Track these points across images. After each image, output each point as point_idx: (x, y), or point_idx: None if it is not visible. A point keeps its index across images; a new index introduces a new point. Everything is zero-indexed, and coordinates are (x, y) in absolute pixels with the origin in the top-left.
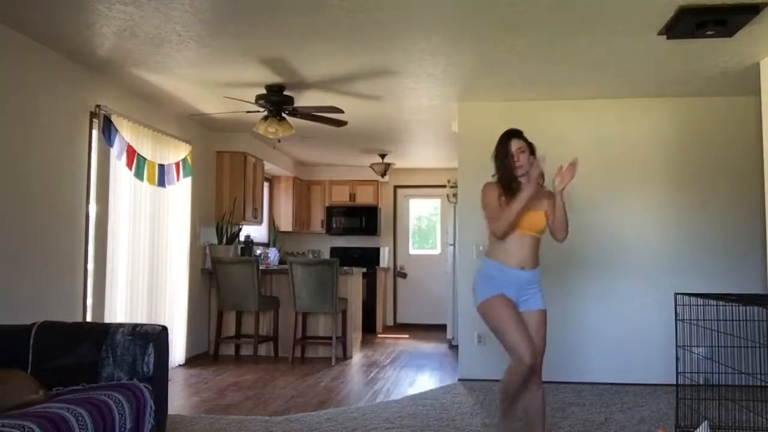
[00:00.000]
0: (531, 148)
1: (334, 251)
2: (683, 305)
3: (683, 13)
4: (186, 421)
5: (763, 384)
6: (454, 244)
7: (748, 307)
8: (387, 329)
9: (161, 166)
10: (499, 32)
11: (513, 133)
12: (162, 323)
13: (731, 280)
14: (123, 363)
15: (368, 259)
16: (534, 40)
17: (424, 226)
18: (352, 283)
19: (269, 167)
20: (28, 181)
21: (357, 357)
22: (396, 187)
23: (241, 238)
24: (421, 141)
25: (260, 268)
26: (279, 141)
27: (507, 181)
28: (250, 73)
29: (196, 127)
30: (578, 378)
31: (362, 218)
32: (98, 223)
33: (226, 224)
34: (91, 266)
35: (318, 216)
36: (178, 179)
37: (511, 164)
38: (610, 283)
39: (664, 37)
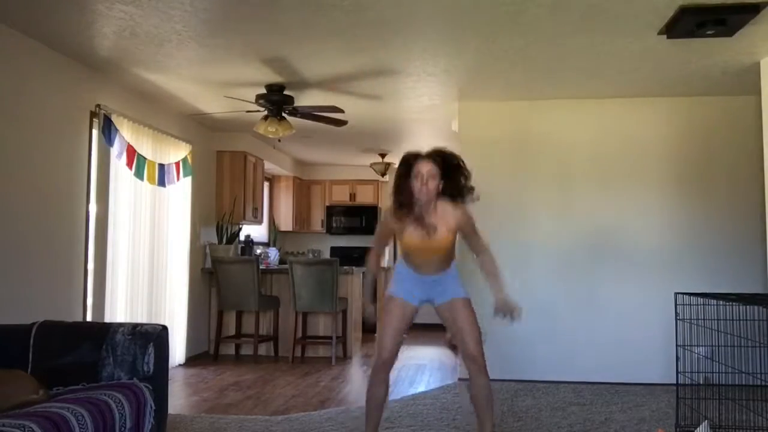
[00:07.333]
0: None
1: (335, 251)
2: (683, 305)
3: (683, 12)
4: (186, 421)
5: (763, 384)
6: None
7: (748, 307)
8: None
9: (161, 166)
10: (499, 32)
11: (426, 155)
12: (162, 323)
13: (731, 279)
14: (123, 363)
15: None
16: (534, 40)
17: None
18: (352, 283)
19: (269, 167)
20: (28, 181)
21: (357, 357)
22: None
23: (241, 237)
24: (421, 140)
25: (260, 267)
26: (279, 141)
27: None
28: (250, 72)
29: (196, 127)
30: (578, 378)
31: (362, 218)
32: (98, 223)
33: (226, 224)
34: (91, 266)
35: (318, 216)
36: (178, 179)
37: (412, 186)
38: (609, 282)
39: (664, 37)
